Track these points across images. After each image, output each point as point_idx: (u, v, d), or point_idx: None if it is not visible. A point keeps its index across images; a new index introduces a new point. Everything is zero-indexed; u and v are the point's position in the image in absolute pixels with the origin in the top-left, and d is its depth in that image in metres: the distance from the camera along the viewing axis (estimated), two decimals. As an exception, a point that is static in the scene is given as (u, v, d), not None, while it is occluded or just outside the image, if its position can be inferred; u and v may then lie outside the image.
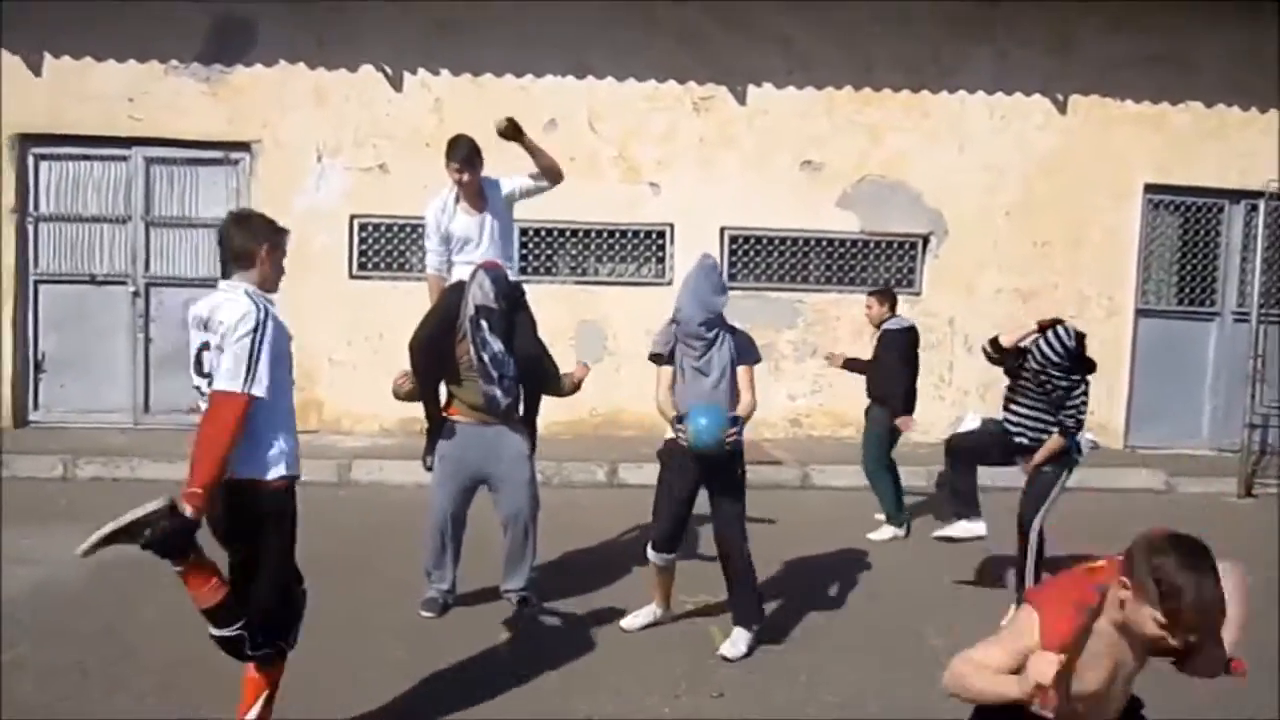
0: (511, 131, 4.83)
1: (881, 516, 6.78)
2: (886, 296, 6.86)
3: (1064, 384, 5.02)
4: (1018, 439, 5.16)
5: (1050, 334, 5.05)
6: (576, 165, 8.92)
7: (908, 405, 6.65)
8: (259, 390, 3.09)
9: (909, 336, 6.74)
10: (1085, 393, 5.06)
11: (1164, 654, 2.27)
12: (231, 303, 3.19)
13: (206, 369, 3.21)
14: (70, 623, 4.64)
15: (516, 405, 4.88)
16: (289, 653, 3.41)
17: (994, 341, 5.33)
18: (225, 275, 3.31)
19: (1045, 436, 5.07)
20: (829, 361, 7.29)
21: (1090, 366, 5.13)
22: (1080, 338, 5.06)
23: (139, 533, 3.02)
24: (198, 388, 3.27)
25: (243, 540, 3.26)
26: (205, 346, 3.22)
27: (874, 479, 6.76)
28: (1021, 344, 5.21)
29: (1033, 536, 5.08)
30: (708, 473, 4.53)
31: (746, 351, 4.59)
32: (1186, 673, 2.35)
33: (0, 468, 7.58)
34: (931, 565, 5.88)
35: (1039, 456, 5.08)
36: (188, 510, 3.01)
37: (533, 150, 4.95)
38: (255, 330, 3.11)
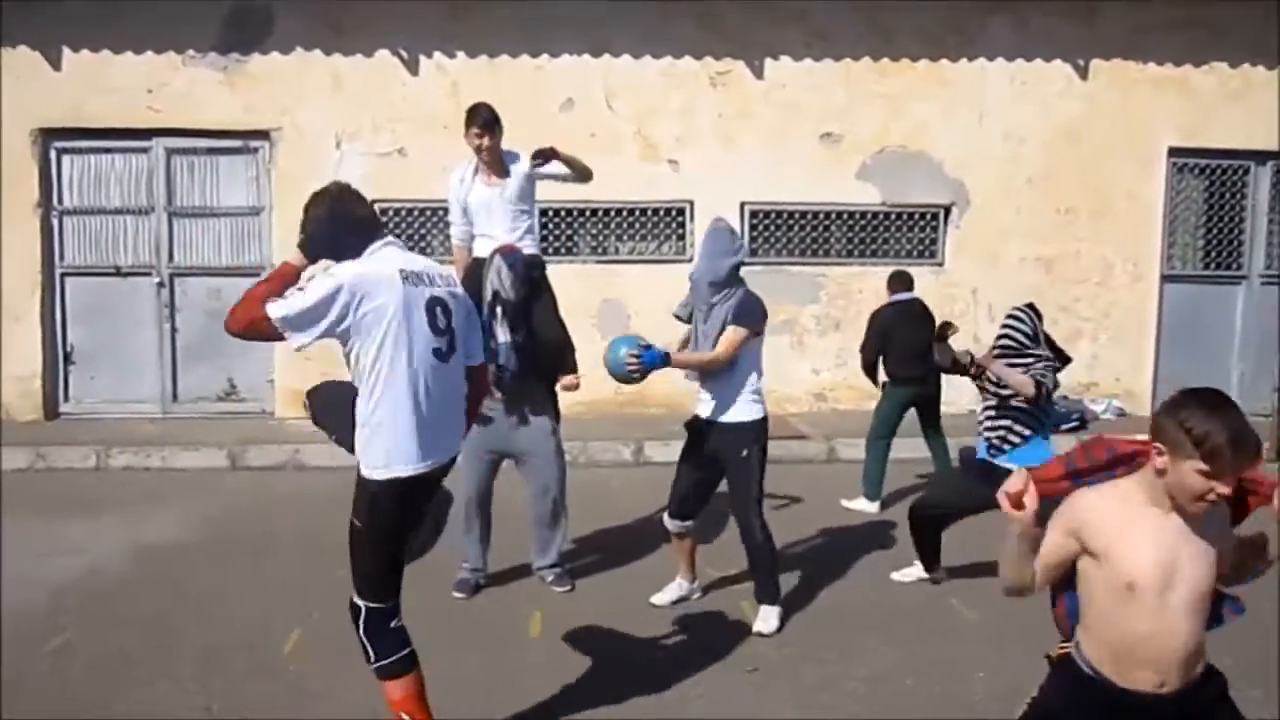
0: (548, 153, 4.98)
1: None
2: (895, 279, 6.88)
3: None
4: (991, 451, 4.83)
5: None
6: (595, 144, 8.92)
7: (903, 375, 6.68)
8: None
9: (893, 310, 6.75)
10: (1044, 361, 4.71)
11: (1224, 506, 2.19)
12: (445, 272, 3.26)
13: (443, 326, 3.07)
14: (114, 610, 4.72)
15: (534, 383, 4.88)
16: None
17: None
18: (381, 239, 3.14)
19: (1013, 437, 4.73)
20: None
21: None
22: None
23: None
24: (438, 349, 3.04)
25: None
26: (439, 302, 3.07)
27: (869, 449, 6.76)
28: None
29: None
30: (716, 449, 4.54)
31: (739, 313, 4.42)
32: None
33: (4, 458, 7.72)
34: (959, 536, 5.87)
35: (996, 366, 4.68)
36: None
37: (568, 161, 5.06)
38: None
